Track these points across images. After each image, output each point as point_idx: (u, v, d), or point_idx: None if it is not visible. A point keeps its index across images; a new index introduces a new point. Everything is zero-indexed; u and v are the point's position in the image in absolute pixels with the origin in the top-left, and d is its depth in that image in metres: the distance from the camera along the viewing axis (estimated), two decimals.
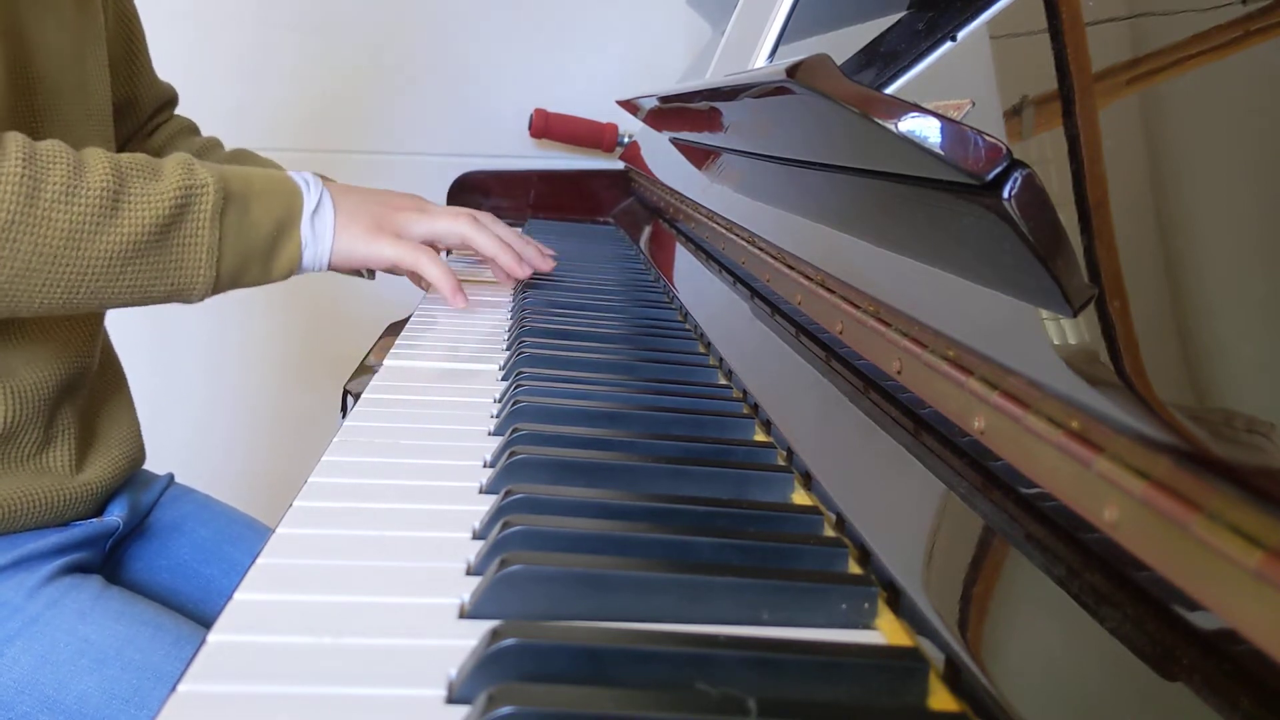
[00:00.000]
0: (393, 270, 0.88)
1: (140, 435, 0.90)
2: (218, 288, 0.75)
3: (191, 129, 1.07)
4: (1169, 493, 0.27)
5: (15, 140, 0.66)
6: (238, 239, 0.74)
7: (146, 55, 0.99)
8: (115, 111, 0.96)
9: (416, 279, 0.94)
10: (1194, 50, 0.37)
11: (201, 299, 0.76)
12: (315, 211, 0.79)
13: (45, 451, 0.78)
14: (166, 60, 1.04)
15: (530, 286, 0.98)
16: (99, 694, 0.70)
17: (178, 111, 1.07)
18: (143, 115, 1.01)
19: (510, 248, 0.90)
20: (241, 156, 1.04)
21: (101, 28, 0.85)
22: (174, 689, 0.33)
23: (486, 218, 0.91)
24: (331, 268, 0.83)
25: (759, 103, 0.61)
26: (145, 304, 0.74)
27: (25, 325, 0.76)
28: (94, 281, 0.69)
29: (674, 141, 1.18)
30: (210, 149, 1.05)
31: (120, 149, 0.99)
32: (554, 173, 1.62)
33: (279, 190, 0.78)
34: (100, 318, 0.85)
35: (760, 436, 0.60)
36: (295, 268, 0.79)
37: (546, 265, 0.98)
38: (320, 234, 0.79)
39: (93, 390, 0.85)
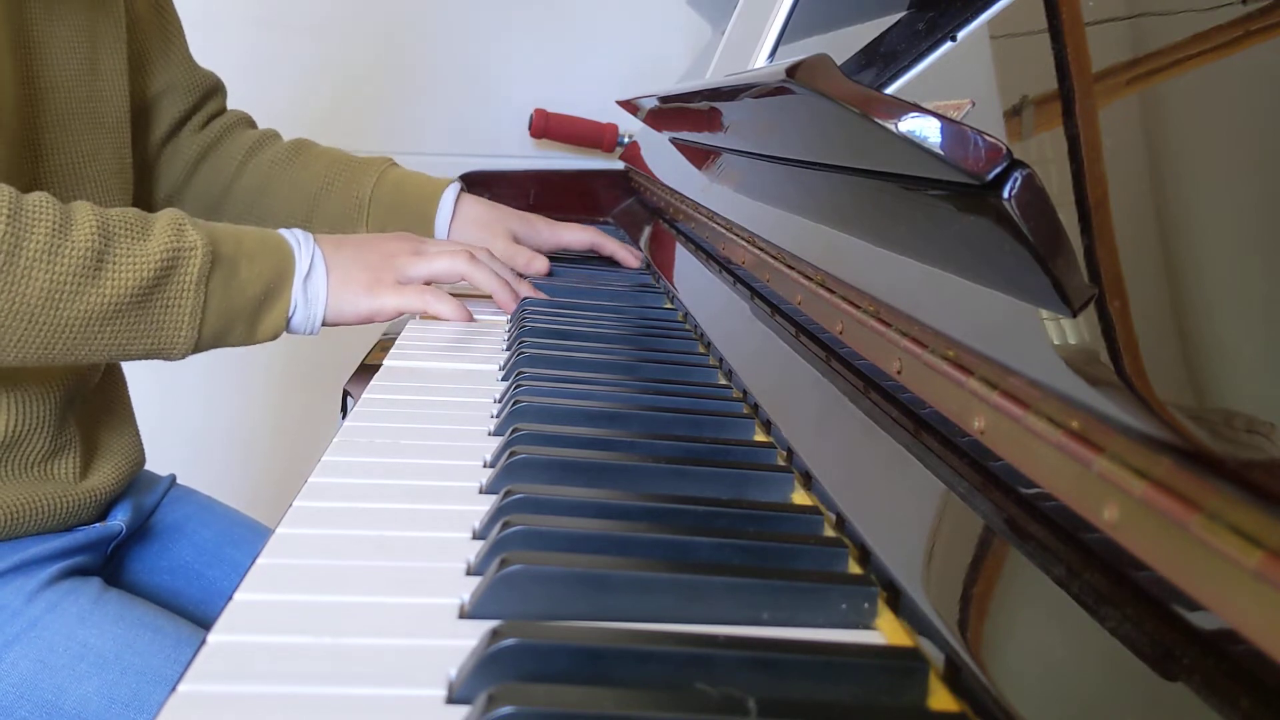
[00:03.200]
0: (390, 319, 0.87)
1: (140, 440, 0.90)
2: (199, 348, 0.74)
3: (248, 121, 1.07)
4: (1169, 493, 0.27)
5: (3, 193, 0.66)
6: (223, 301, 0.73)
7: (183, 41, 0.99)
8: (154, 101, 0.96)
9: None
10: (1194, 50, 0.37)
11: (182, 358, 0.75)
12: (307, 275, 0.78)
13: (52, 460, 0.78)
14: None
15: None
16: (99, 698, 0.70)
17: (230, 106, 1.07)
18: (187, 102, 1.00)
19: (507, 284, 0.89)
20: (303, 147, 1.05)
21: (121, 30, 0.85)
22: (174, 689, 0.33)
23: (482, 253, 0.90)
24: (330, 324, 0.81)
25: (759, 103, 0.61)
26: (123, 359, 0.73)
27: None
28: (70, 340, 0.68)
29: (674, 141, 1.18)
30: (268, 140, 1.05)
31: (169, 138, 1.00)
32: (554, 173, 1.62)
33: (271, 251, 0.77)
34: None
35: (760, 436, 0.60)
36: (280, 330, 0.78)
37: (542, 265, 1.01)
38: (313, 297, 0.78)
39: (95, 398, 0.85)
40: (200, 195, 1.02)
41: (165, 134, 0.99)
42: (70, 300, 0.67)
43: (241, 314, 0.75)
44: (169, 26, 0.97)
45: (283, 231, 0.79)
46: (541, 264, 1.01)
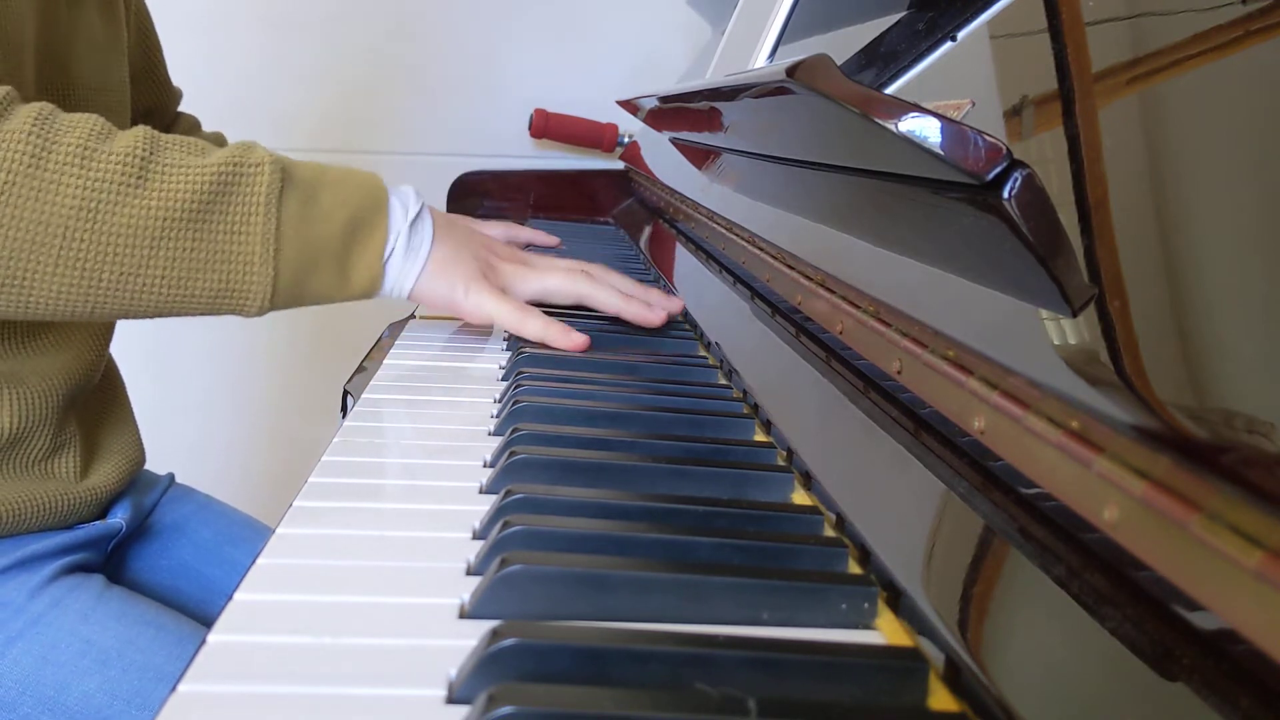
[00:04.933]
0: (476, 322, 0.78)
1: (140, 439, 0.90)
2: (278, 293, 0.62)
3: (195, 124, 1.08)
4: (1169, 493, 0.27)
5: (34, 105, 0.59)
6: (301, 230, 0.61)
7: (164, 64, 1.00)
8: (139, 120, 0.96)
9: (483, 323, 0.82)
10: (1194, 50, 0.37)
11: (260, 308, 0.62)
12: (414, 222, 0.66)
13: (52, 458, 0.78)
14: (168, 59, 1.04)
15: None
16: (101, 694, 0.70)
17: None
18: (164, 122, 1.01)
19: (634, 298, 0.78)
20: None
21: (124, 43, 0.86)
22: (174, 689, 0.33)
23: (598, 269, 0.79)
24: (414, 299, 0.70)
25: (759, 103, 0.61)
26: (189, 311, 0.62)
27: (40, 336, 0.76)
28: (116, 266, 0.58)
29: (674, 141, 1.18)
30: (215, 143, 1.05)
31: None
32: (554, 173, 1.62)
33: (357, 182, 0.65)
34: (110, 331, 0.85)
35: (760, 436, 0.60)
36: (379, 277, 0.65)
37: (676, 306, 0.84)
38: (414, 251, 0.66)
39: (95, 398, 0.85)
40: None
41: None
42: (109, 212, 0.57)
43: (327, 249, 0.62)
44: (153, 52, 0.98)
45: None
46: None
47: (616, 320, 0.80)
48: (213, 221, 0.60)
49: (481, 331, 0.87)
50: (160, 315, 0.62)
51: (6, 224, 0.57)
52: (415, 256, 0.67)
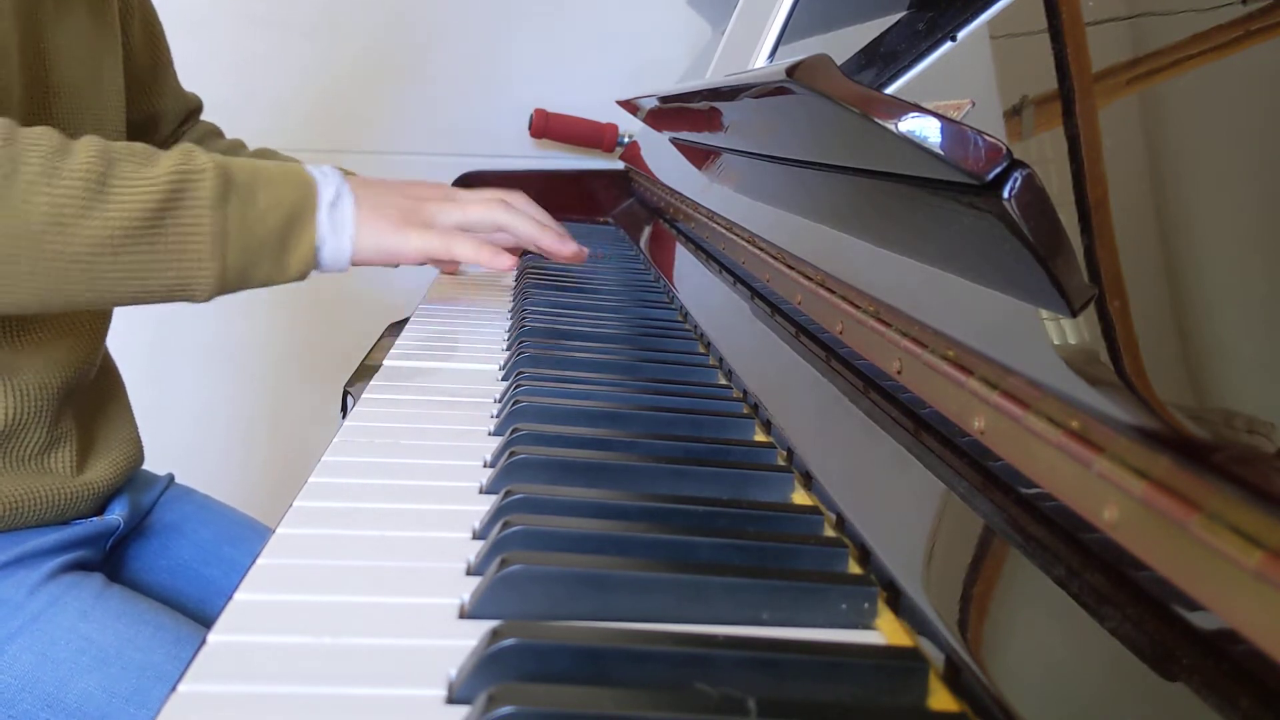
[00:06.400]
0: (425, 262, 0.82)
1: (138, 436, 0.90)
2: (224, 284, 0.70)
3: (215, 132, 1.07)
4: (1169, 493, 0.27)
5: (1, 124, 0.64)
6: (243, 229, 0.69)
7: (172, 68, 0.99)
8: (140, 126, 0.96)
9: (449, 267, 0.90)
10: (1194, 50, 0.37)
11: (208, 297, 0.70)
12: (333, 203, 0.73)
13: (48, 453, 0.78)
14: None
15: (531, 287, 0.98)
16: (100, 692, 0.70)
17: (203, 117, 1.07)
18: (168, 128, 1.01)
19: (549, 228, 0.85)
20: (265, 156, 1.04)
21: (119, 48, 0.85)
22: (174, 689, 0.33)
23: (519, 198, 0.85)
24: (356, 263, 0.77)
25: (759, 103, 0.61)
26: (147, 301, 0.70)
27: (35, 329, 0.76)
28: (85, 270, 0.64)
29: (674, 141, 1.18)
30: (234, 150, 1.05)
31: None
32: (554, 173, 1.62)
33: (290, 180, 0.72)
34: (106, 324, 0.85)
35: (760, 436, 0.60)
36: (311, 264, 0.73)
37: (584, 252, 0.91)
38: (339, 227, 0.73)
39: (91, 393, 0.85)
40: None
41: None
42: (75, 223, 0.63)
43: (266, 245, 0.70)
44: (161, 58, 0.97)
45: (307, 165, 0.76)
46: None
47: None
48: (166, 227, 0.66)
49: (482, 331, 0.87)
50: (120, 305, 0.71)
51: None
52: (341, 232, 0.74)
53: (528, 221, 0.84)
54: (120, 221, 0.65)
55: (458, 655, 0.35)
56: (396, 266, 0.85)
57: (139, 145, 0.69)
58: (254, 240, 0.69)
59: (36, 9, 0.75)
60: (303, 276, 0.73)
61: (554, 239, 0.85)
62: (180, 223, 0.67)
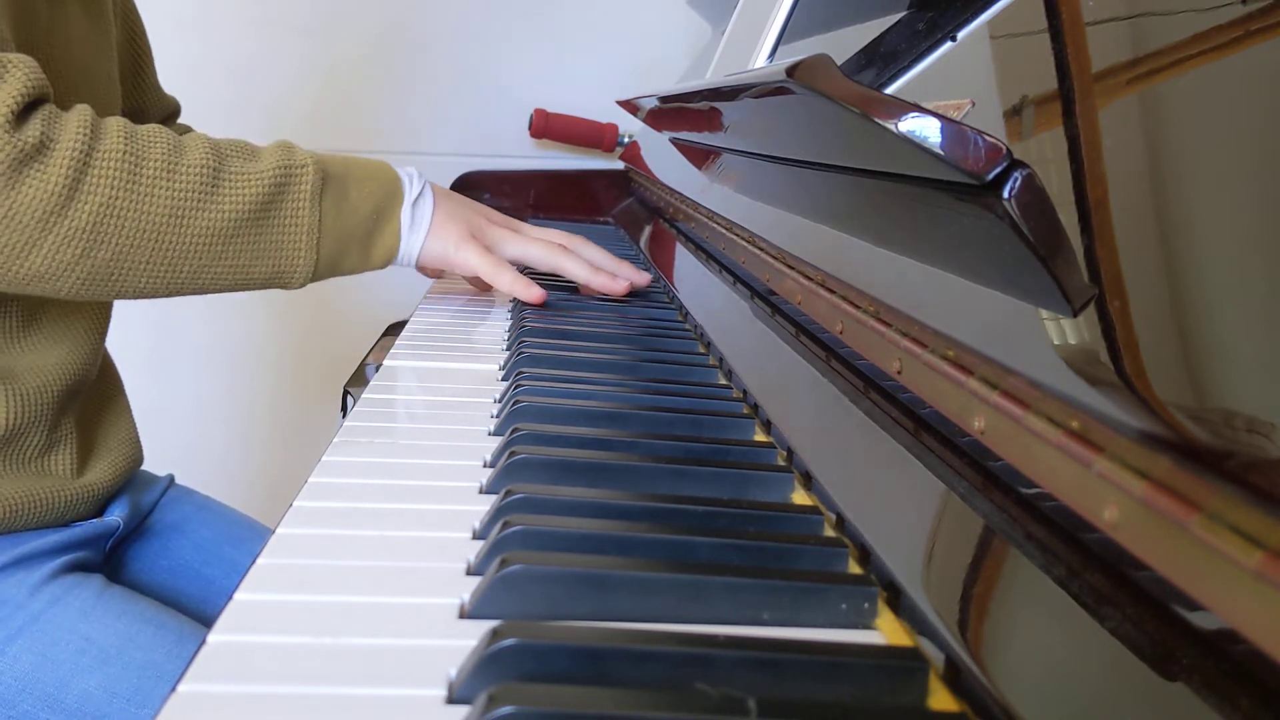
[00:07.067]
0: (469, 276, 0.89)
1: (138, 438, 0.90)
2: (318, 272, 0.75)
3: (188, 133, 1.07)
4: (1169, 493, 0.27)
5: (117, 121, 0.68)
6: (336, 221, 0.74)
7: (153, 67, 0.99)
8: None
9: (480, 284, 0.97)
10: (1194, 50, 0.37)
11: (302, 284, 0.75)
12: (416, 202, 0.80)
13: (48, 455, 0.78)
14: (167, 60, 1.04)
15: None
16: (101, 692, 0.70)
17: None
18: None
19: (601, 271, 0.90)
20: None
21: (112, 42, 0.85)
22: (174, 689, 0.33)
23: (579, 242, 0.90)
24: (419, 265, 0.83)
25: (759, 103, 0.61)
26: (245, 288, 0.74)
27: (35, 332, 0.76)
28: (196, 260, 0.69)
29: (674, 141, 1.19)
30: None
31: None
32: (554, 173, 1.62)
33: (379, 176, 0.79)
34: (105, 326, 0.85)
35: (760, 436, 0.60)
36: (394, 254, 0.79)
37: (643, 280, 0.95)
38: (418, 224, 0.80)
39: (91, 396, 0.85)
40: None
41: None
42: (192, 217, 0.68)
43: (355, 235, 0.76)
44: (141, 54, 0.97)
45: (395, 166, 0.82)
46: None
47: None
48: (270, 219, 0.72)
49: (482, 331, 0.87)
50: (221, 292, 0.74)
51: (112, 233, 0.66)
52: (419, 229, 0.81)
53: (582, 267, 0.89)
54: (231, 214, 0.70)
55: (458, 655, 0.35)
56: (440, 276, 0.96)
57: (239, 140, 0.74)
58: (345, 232, 0.75)
59: (29, 3, 0.75)
60: (385, 265, 0.79)
61: (605, 281, 0.90)
62: (282, 215, 0.72)
